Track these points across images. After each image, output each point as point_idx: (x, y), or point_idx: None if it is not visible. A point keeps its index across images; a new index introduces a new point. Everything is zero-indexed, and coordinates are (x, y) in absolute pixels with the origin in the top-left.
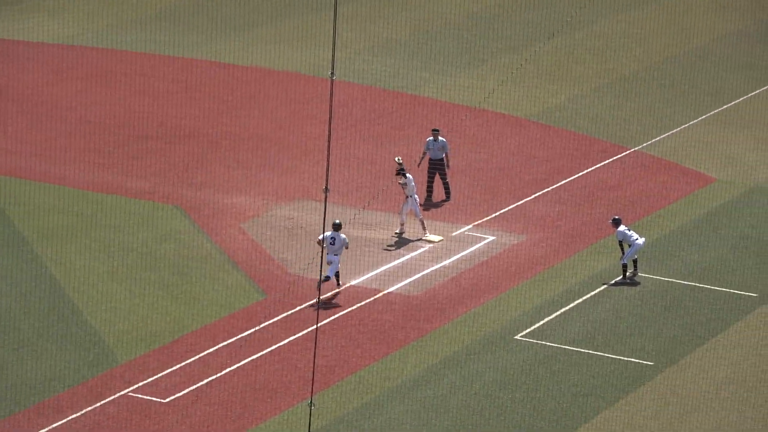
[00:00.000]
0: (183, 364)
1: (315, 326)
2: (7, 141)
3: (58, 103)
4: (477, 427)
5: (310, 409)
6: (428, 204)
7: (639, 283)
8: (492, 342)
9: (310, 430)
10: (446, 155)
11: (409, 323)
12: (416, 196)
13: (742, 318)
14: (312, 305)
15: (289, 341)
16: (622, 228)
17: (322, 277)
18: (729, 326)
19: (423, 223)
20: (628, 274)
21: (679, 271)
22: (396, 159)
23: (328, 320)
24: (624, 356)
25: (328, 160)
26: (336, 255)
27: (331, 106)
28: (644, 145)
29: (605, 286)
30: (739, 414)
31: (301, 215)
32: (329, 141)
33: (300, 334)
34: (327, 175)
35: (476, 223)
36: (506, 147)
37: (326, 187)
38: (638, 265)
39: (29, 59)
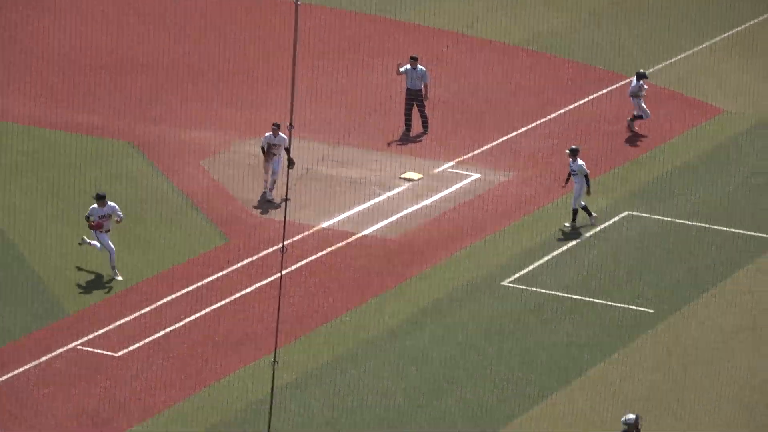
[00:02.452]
0: (137, 314)
1: (280, 273)
2: None
3: None
4: (461, 381)
5: (273, 367)
6: (406, 138)
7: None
8: (477, 289)
9: (275, 386)
10: (425, 85)
11: (386, 269)
12: None
13: (752, 261)
14: (278, 249)
15: (253, 289)
16: (581, 162)
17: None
18: (738, 270)
19: None
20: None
21: (683, 211)
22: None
23: (296, 266)
24: (622, 303)
25: (292, 93)
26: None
27: (295, 31)
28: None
29: (601, 227)
30: (749, 365)
31: None
32: (294, 70)
33: (265, 281)
34: (291, 109)
35: (459, 159)
36: (493, 76)
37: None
38: (594, 210)
39: None
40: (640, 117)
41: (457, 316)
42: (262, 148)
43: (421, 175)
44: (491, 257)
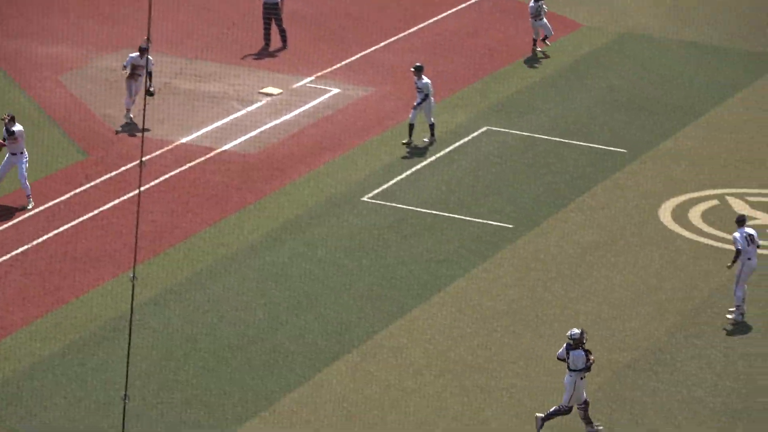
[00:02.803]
0: None
1: (138, 189)
2: None
3: None
4: (321, 297)
5: (133, 283)
6: (264, 53)
7: (501, 141)
8: (337, 204)
9: (135, 302)
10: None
11: (246, 184)
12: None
13: (610, 176)
14: (137, 165)
15: (112, 205)
16: (426, 80)
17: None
18: (596, 185)
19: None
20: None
21: (542, 126)
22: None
23: (155, 182)
24: (481, 219)
25: (150, 6)
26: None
27: None
28: None
29: (460, 142)
30: (607, 280)
31: None
32: None
33: (124, 197)
34: (149, 22)
35: (319, 74)
36: None
37: (148, 37)
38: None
39: None
40: (546, 37)
41: (317, 232)
42: (124, 66)
43: (280, 90)
44: (351, 173)
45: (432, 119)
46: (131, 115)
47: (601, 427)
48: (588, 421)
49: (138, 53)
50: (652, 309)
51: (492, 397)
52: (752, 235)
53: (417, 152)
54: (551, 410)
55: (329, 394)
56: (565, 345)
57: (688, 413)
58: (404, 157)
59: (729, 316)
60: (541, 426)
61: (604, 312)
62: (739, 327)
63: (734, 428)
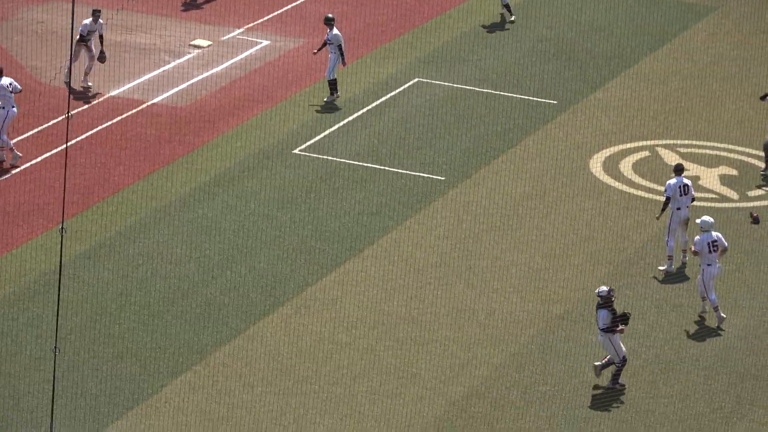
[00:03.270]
0: None
1: (65, 144)
2: None
3: None
4: (253, 251)
5: (62, 235)
6: (193, 5)
7: (432, 93)
8: (268, 157)
9: (67, 256)
10: None
11: (176, 137)
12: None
13: (540, 127)
14: (65, 118)
15: (42, 159)
16: (336, 31)
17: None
18: (527, 136)
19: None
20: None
21: (472, 77)
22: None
23: (85, 135)
24: (413, 171)
25: None
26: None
27: None
28: None
29: (390, 95)
30: (539, 231)
31: (53, 18)
32: None
33: (54, 150)
34: None
35: (249, 25)
36: None
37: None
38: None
39: None
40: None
41: (249, 185)
42: (81, 36)
43: (210, 42)
44: (282, 125)
45: (330, 76)
46: (86, 82)
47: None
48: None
49: (91, 19)
50: (584, 260)
51: (425, 349)
52: (687, 185)
53: (347, 105)
54: (613, 373)
55: (262, 347)
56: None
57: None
58: (335, 110)
59: (660, 268)
60: (616, 382)
61: (536, 263)
62: (671, 278)
63: (667, 379)
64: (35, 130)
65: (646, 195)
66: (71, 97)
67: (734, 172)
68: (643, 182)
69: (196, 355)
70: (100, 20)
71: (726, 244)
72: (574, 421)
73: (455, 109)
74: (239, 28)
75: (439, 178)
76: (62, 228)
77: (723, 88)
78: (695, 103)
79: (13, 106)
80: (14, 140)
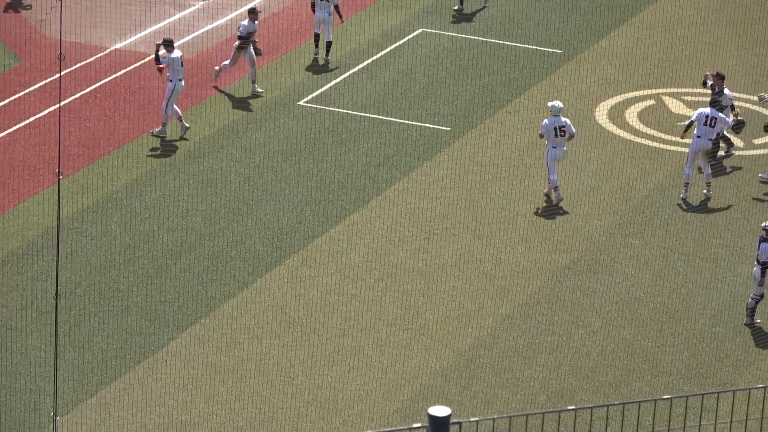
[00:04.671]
0: None
1: (73, 96)
2: None
3: None
4: (260, 203)
5: (59, 185)
6: None
7: (438, 44)
8: (273, 108)
9: (73, 210)
10: None
11: (185, 90)
12: None
13: (545, 77)
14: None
15: (48, 112)
16: None
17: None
18: (532, 86)
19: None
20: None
21: (476, 28)
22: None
23: (90, 88)
24: (418, 122)
25: None
26: None
27: None
28: None
29: (395, 45)
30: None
31: None
32: None
33: (60, 104)
34: None
35: None
36: None
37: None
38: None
39: None
40: None
41: (254, 137)
42: (240, 37)
43: None
44: (287, 77)
45: (329, 37)
46: (258, 88)
47: (759, 321)
48: (752, 312)
49: (248, 19)
50: (590, 209)
51: (432, 300)
52: (715, 118)
53: (352, 56)
54: (749, 306)
55: (270, 299)
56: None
57: (628, 314)
58: (340, 61)
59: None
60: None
61: (542, 212)
62: (678, 226)
63: (673, 328)
64: (41, 83)
65: (652, 144)
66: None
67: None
68: (649, 131)
69: (204, 308)
70: (256, 21)
71: (573, 130)
72: (581, 370)
73: (460, 60)
74: None
75: (445, 128)
76: (58, 175)
77: (727, 35)
78: (700, 50)
79: (180, 80)
80: (20, 94)
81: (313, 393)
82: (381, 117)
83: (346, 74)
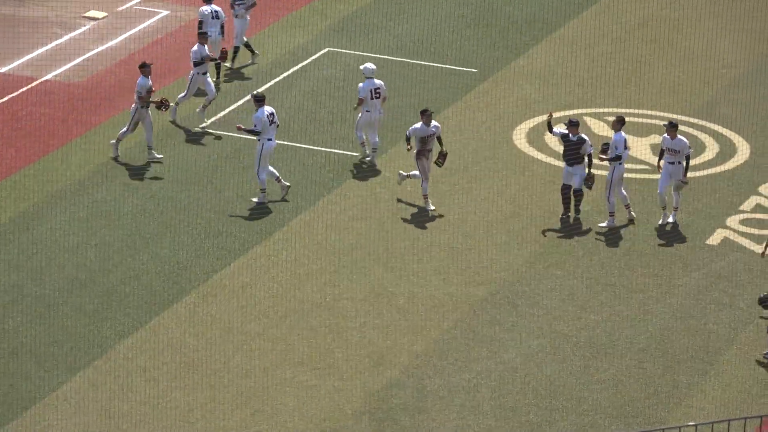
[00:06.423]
0: None
1: None
2: None
3: None
4: (155, 236)
5: None
6: None
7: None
8: (171, 134)
9: None
10: None
11: (72, 116)
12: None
13: (460, 97)
14: None
15: None
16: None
17: None
18: (446, 108)
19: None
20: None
21: (387, 46)
22: None
23: None
24: (325, 147)
25: None
26: None
27: None
28: None
29: (300, 65)
30: (461, 208)
31: None
32: None
33: None
34: None
35: None
36: None
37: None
38: None
39: None
40: None
41: (150, 165)
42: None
43: (105, 14)
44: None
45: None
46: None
47: None
48: None
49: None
50: (509, 238)
51: (341, 337)
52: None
53: (254, 77)
54: None
55: (167, 339)
56: None
57: (550, 349)
58: (241, 83)
59: (602, 225)
60: None
61: (458, 242)
62: (602, 256)
63: (599, 363)
64: None
65: None
66: None
67: None
68: None
69: (97, 350)
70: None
71: (386, 93)
72: (501, 410)
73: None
74: None
75: (353, 154)
76: None
77: (652, 51)
78: (623, 68)
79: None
80: None
81: None
82: (285, 142)
83: (248, 97)
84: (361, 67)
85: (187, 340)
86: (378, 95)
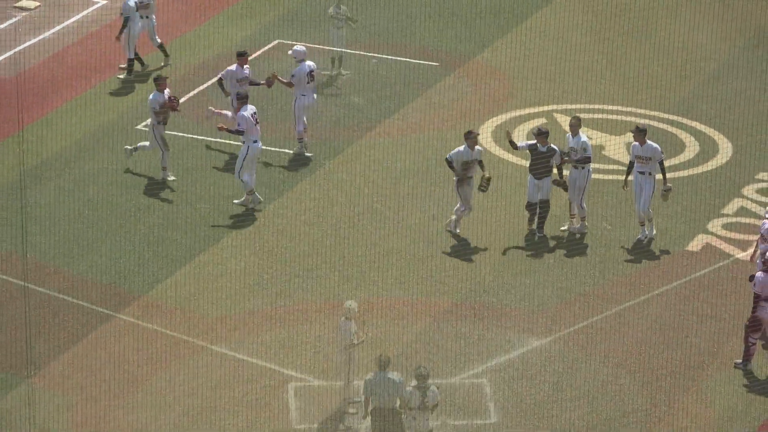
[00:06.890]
0: None
1: None
2: None
3: None
4: (94, 243)
5: None
6: None
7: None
8: (110, 134)
9: None
10: None
11: (3, 116)
12: None
13: (421, 93)
14: None
15: None
16: None
17: None
18: (405, 104)
19: None
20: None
21: (344, 39)
22: None
23: None
24: (275, 147)
25: None
26: None
27: None
28: None
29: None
30: (422, 213)
31: None
32: None
33: None
34: None
35: None
36: None
37: None
38: None
39: None
40: None
41: (87, 167)
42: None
43: (38, 3)
44: (124, 98)
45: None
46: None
47: None
48: None
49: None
50: (475, 244)
51: (294, 352)
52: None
53: (198, 72)
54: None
55: (107, 354)
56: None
57: (519, 364)
58: (186, 77)
59: (562, 228)
60: None
61: (420, 250)
62: (574, 264)
63: (572, 379)
64: None
65: None
66: None
67: None
68: None
69: (31, 366)
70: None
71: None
72: (466, 430)
73: (322, 74)
74: None
75: (307, 154)
76: None
77: (627, 43)
78: (596, 61)
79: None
80: None
81: None
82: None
83: (193, 93)
84: (290, 51)
85: (128, 355)
86: (312, 78)
